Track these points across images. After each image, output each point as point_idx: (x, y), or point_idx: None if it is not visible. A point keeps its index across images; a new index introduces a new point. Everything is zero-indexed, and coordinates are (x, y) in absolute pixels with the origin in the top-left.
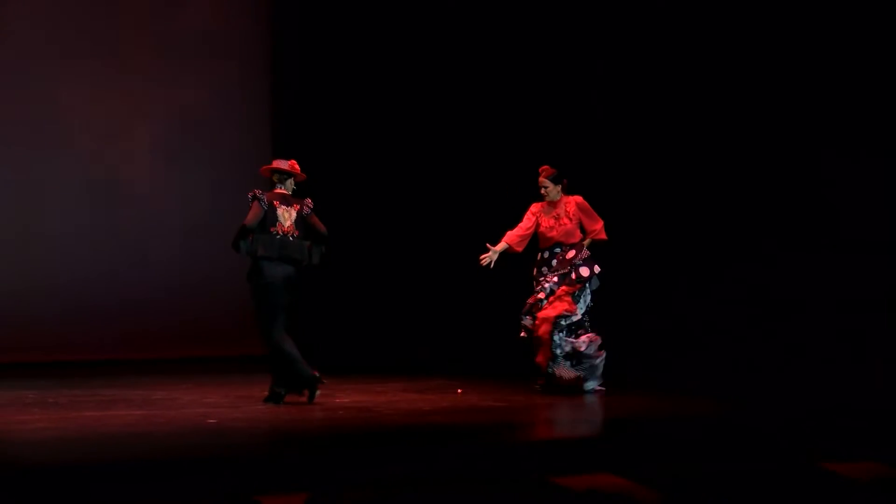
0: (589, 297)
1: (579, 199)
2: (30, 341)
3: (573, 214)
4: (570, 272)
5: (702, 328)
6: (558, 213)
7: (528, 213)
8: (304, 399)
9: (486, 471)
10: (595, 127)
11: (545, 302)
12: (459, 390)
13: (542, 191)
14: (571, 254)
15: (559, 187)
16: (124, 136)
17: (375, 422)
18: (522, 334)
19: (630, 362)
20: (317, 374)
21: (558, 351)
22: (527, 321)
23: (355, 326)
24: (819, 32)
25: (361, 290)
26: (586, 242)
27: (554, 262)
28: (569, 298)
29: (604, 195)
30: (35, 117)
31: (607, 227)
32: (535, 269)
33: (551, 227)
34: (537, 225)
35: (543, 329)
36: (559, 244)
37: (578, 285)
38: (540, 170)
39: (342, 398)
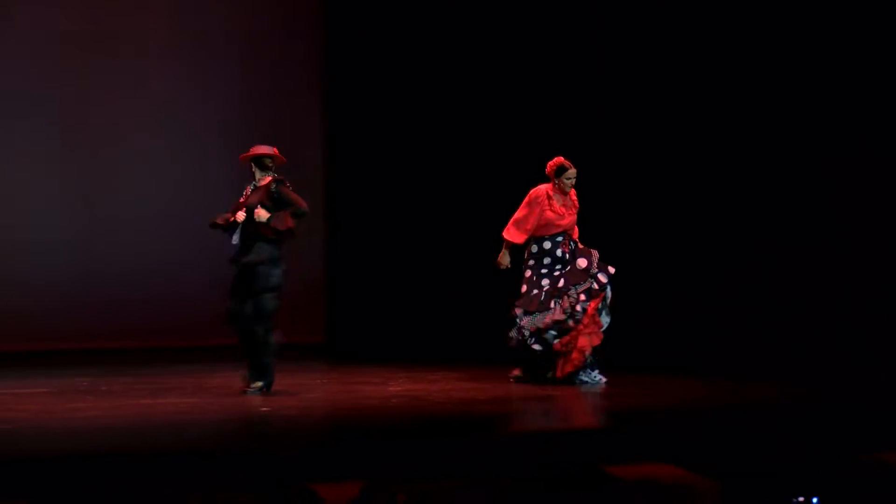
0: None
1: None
2: (83, 329)
3: (576, 203)
4: (592, 283)
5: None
6: (566, 203)
7: (541, 200)
8: (306, 389)
9: (540, 460)
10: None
11: (571, 321)
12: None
13: (568, 182)
14: (584, 263)
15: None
16: (178, 135)
17: (429, 410)
18: (514, 336)
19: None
20: None
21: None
22: (524, 322)
23: (407, 314)
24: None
25: (413, 278)
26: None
27: (559, 251)
28: (599, 321)
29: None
30: (95, 118)
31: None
32: (532, 261)
33: (562, 216)
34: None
35: (576, 358)
36: (564, 234)
37: (602, 293)
38: (565, 163)
39: (395, 386)
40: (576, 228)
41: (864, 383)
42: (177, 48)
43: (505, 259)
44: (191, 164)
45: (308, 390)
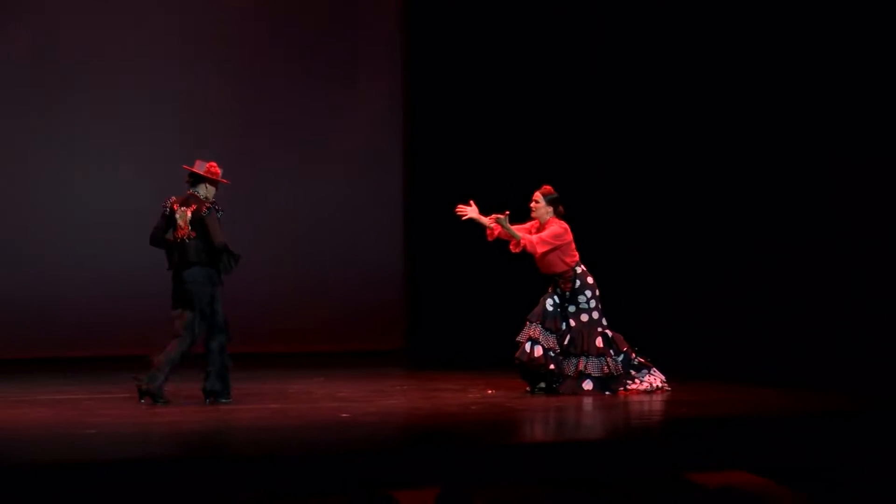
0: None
1: (563, 225)
2: (163, 336)
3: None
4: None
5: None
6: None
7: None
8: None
9: (620, 468)
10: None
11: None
12: (490, 391)
13: (533, 204)
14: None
15: (550, 208)
16: (258, 136)
17: (508, 417)
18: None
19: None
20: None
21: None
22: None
23: (487, 321)
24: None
25: (494, 284)
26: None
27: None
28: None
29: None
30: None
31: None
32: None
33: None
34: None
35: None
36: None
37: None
38: (543, 186)
39: (474, 393)
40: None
41: None
42: (264, 47)
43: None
44: (276, 165)
45: (387, 397)
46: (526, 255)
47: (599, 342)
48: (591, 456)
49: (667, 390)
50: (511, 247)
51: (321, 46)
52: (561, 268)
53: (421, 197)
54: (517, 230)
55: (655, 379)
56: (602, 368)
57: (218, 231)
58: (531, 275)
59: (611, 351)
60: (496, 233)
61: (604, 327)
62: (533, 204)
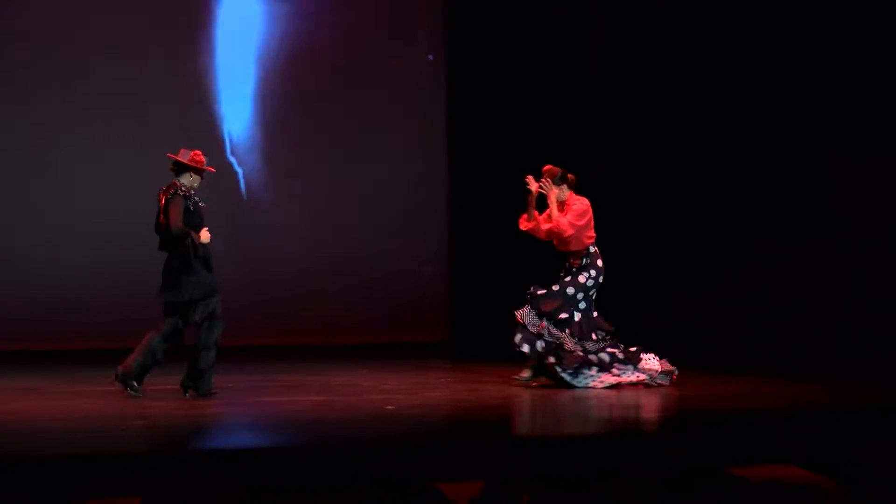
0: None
1: (579, 200)
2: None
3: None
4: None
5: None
6: (564, 213)
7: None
8: (429, 388)
9: (663, 461)
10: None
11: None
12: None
13: (543, 191)
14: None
15: (564, 186)
16: (301, 129)
17: (552, 409)
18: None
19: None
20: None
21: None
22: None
23: None
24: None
25: (538, 277)
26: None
27: (566, 263)
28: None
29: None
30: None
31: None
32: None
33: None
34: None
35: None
36: (566, 252)
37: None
38: (543, 170)
39: (518, 385)
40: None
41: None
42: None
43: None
44: (320, 157)
45: (432, 389)
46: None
47: (563, 316)
48: (634, 450)
49: (661, 385)
50: (532, 226)
51: (362, 35)
52: (577, 246)
53: (466, 188)
54: (542, 220)
55: (639, 375)
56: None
57: (176, 216)
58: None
59: (567, 330)
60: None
61: (581, 312)
62: (543, 191)
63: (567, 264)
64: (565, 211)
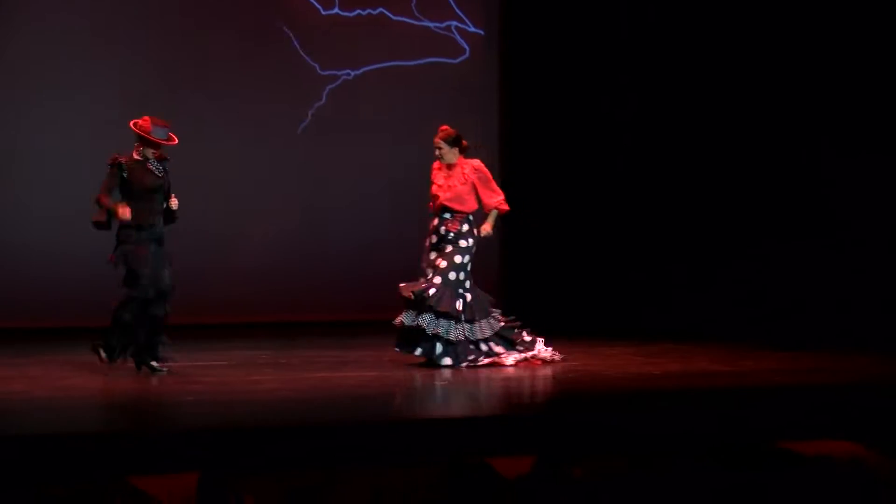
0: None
1: (477, 163)
2: (265, 302)
3: (466, 178)
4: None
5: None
6: (451, 174)
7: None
8: (504, 362)
9: (714, 436)
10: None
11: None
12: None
13: (437, 152)
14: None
15: (455, 149)
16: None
17: (604, 385)
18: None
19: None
20: None
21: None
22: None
23: (586, 288)
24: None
25: (594, 251)
26: (488, 222)
27: (443, 228)
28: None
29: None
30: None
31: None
32: (427, 240)
33: (440, 187)
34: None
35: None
36: (448, 209)
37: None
38: (439, 129)
39: (572, 361)
40: (504, 205)
41: None
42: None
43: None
44: (367, 132)
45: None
46: (627, 223)
47: (459, 305)
48: (686, 422)
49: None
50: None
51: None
52: (471, 207)
53: (516, 162)
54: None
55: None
56: (451, 333)
57: (103, 186)
58: (628, 242)
59: (463, 317)
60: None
61: (465, 289)
62: (437, 151)
63: (442, 229)
64: (455, 174)
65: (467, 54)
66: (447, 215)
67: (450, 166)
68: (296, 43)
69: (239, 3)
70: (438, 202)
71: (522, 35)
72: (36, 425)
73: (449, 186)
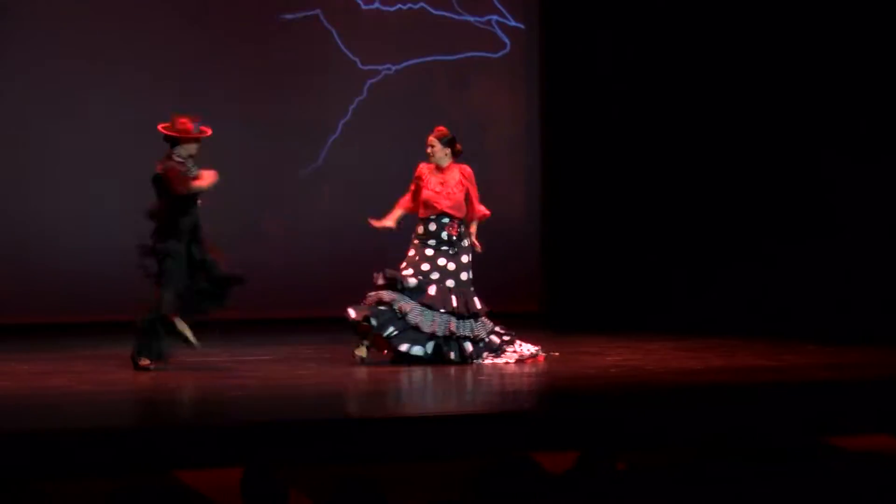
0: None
1: (468, 170)
2: (312, 297)
3: (461, 185)
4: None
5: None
6: (445, 180)
7: (416, 175)
8: (557, 355)
9: (758, 432)
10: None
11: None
12: (555, 353)
13: (429, 150)
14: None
15: (448, 151)
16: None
17: (647, 381)
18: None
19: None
20: None
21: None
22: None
23: (627, 283)
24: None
25: (635, 247)
26: (473, 228)
27: (444, 234)
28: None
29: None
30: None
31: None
32: (416, 240)
33: (437, 194)
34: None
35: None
36: (447, 215)
37: None
38: (435, 129)
39: (613, 357)
40: (486, 210)
41: None
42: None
43: (388, 218)
44: (408, 123)
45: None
46: (668, 219)
47: (478, 304)
48: (729, 418)
49: None
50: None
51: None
52: (464, 212)
53: (557, 159)
54: (399, 208)
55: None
56: (474, 330)
57: (172, 187)
58: (671, 235)
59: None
60: None
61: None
62: (429, 149)
63: (444, 234)
64: (449, 179)
65: (508, 48)
66: (446, 220)
67: (440, 169)
68: (336, 37)
69: None
70: (438, 209)
71: (563, 29)
72: (80, 420)
73: (448, 194)
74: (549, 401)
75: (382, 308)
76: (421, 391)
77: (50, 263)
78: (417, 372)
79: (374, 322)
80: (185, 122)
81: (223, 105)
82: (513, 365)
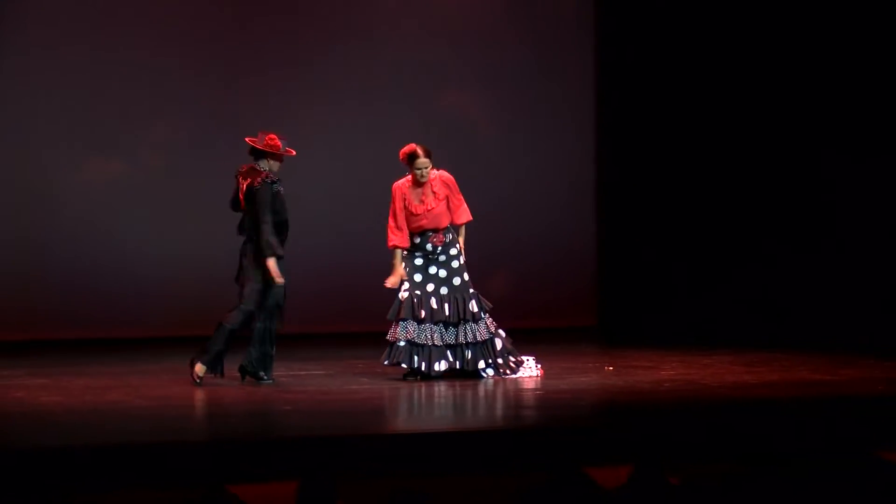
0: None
1: (445, 175)
2: (360, 310)
3: (438, 196)
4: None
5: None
6: (425, 193)
7: (397, 196)
8: (611, 369)
9: (810, 444)
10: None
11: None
12: (609, 367)
13: (421, 172)
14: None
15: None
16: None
17: (701, 395)
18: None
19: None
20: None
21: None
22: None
23: (683, 297)
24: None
25: (689, 261)
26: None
27: (429, 245)
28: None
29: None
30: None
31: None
32: (405, 254)
33: (419, 216)
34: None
35: None
36: (430, 229)
37: None
38: (417, 149)
39: (667, 371)
40: (469, 215)
41: None
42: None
43: (397, 272)
44: (465, 139)
45: (580, 374)
46: (723, 232)
47: (475, 307)
48: (784, 432)
49: None
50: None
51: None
52: (446, 222)
53: (614, 169)
54: (397, 248)
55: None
56: (475, 334)
57: (265, 207)
58: (725, 249)
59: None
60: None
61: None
62: (421, 172)
63: (429, 246)
64: (426, 192)
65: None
66: (430, 233)
67: (419, 184)
68: None
69: None
70: (420, 227)
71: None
72: (134, 434)
73: (427, 210)
74: (602, 415)
75: (402, 344)
76: (473, 405)
77: (102, 280)
78: (468, 386)
79: (405, 365)
80: (274, 139)
81: (282, 111)
82: (520, 373)
